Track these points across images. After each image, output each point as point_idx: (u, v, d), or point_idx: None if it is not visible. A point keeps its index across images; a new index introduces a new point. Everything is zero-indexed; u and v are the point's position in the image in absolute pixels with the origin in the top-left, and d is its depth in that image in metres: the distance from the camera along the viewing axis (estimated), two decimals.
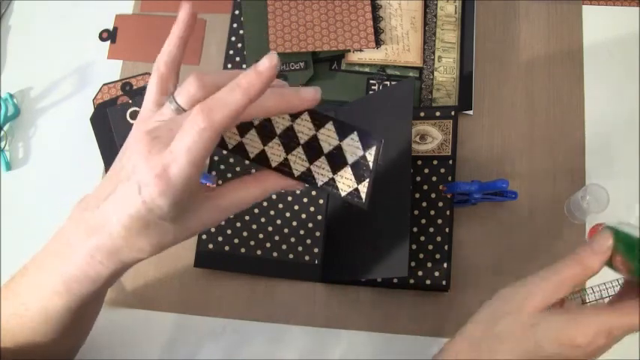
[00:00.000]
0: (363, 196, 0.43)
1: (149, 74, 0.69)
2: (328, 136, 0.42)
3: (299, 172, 0.43)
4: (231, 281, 0.62)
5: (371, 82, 0.67)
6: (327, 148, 0.42)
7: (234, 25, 0.70)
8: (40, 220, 0.62)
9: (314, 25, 0.68)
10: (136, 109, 0.68)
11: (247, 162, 0.45)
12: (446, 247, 0.60)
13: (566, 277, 0.44)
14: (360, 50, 0.68)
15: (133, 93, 0.69)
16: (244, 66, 0.68)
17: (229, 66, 0.68)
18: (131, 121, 0.67)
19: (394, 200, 0.58)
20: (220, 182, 0.64)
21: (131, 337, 0.61)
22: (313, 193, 0.63)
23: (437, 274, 0.60)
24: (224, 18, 0.71)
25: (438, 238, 0.60)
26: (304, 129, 0.42)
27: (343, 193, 0.42)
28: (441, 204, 0.61)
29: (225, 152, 0.44)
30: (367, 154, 0.42)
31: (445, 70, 0.67)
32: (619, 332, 0.42)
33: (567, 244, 0.62)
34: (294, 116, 0.41)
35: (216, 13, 0.71)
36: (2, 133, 0.68)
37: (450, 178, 0.62)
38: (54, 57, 0.71)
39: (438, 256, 0.60)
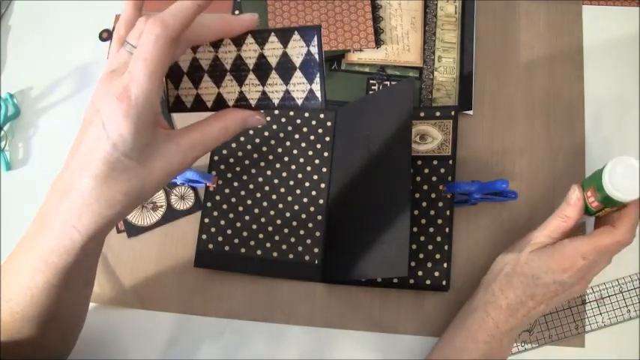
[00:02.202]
0: (319, 95, 0.43)
1: None
2: (273, 49, 0.42)
3: (255, 100, 0.43)
4: (231, 281, 0.62)
5: (371, 82, 0.67)
6: (274, 61, 0.42)
7: None
8: None
9: None
10: None
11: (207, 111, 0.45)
12: (446, 247, 0.60)
13: (551, 229, 0.54)
14: (360, 50, 0.68)
15: None
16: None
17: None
18: None
19: (394, 200, 0.58)
20: (220, 182, 0.64)
21: (131, 337, 0.61)
22: (313, 193, 0.63)
23: (437, 274, 0.60)
24: None
25: (438, 238, 0.60)
26: (250, 52, 0.43)
27: (300, 102, 0.43)
28: (441, 204, 0.61)
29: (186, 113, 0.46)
30: (311, 48, 0.42)
31: (445, 70, 0.67)
32: (592, 254, 0.51)
33: None
34: (239, 44, 0.42)
35: (216, 13, 0.71)
36: (2, 133, 0.68)
37: (450, 178, 0.62)
38: (54, 57, 0.71)
39: (438, 256, 0.60)
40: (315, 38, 0.42)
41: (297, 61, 0.43)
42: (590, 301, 0.60)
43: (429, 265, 0.60)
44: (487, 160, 0.65)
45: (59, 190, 0.41)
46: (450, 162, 0.62)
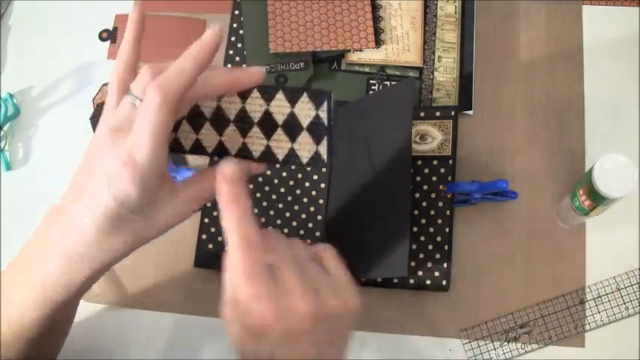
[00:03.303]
0: (324, 156, 0.42)
1: None
2: (280, 106, 0.42)
3: (259, 153, 0.43)
4: None
5: (371, 82, 0.67)
6: (280, 118, 0.42)
7: (234, 25, 0.70)
8: (40, 220, 0.62)
9: (314, 25, 0.68)
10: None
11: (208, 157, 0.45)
12: (446, 247, 0.60)
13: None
14: (360, 50, 0.68)
15: None
16: (244, 66, 0.68)
17: (229, 66, 0.68)
18: None
19: (394, 200, 0.58)
20: None
21: (131, 337, 0.61)
22: (313, 193, 0.63)
23: (437, 274, 0.60)
24: (224, 18, 0.71)
25: (438, 238, 0.60)
26: (256, 107, 0.42)
27: (305, 160, 0.42)
28: (441, 204, 0.61)
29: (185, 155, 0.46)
30: (320, 112, 0.41)
31: (445, 70, 0.67)
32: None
33: (567, 244, 0.62)
34: (244, 97, 0.41)
35: (216, 13, 0.71)
36: (2, 133, 0.68)
37: (450, 178, 0.62)
38: (54, 57, 0.71)
39: (438, 256, 0.60)
40: (325, 104, 0.41)
41: (305, 122, 0.42)
42: (588, 300, 0.60)
43: (429, 265, 0.60)
44: (487, 160, 0.65)
45: (60, 225, 0.41)
46: (450, 162, 0.62)
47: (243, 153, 0.42)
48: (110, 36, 0.71)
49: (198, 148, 0.43)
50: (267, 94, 0.41)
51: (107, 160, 0.38)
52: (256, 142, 0.42)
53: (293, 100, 0.41)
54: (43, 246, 0.42)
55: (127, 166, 0.37)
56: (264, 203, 0.63)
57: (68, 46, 0.71)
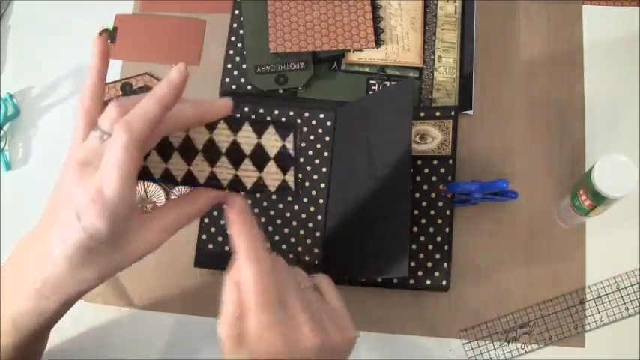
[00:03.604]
0: (292, 185, 0.44)
1: (149, 74, 0.69)
2: (247, 137, 0.43)
3: (227, 182, 0.44)
4: None
5: (371, 82, 0.67)
6: (247, 149, 0.43)
7: (234, 25, 0.70)
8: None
9: (314, 25, 0.68)
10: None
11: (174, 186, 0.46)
12: (446, 247, 0.60)
13: None
14: (360, 50, 0.68)
15: (133, 93, 0.69)
16: (244, 66, 0.68)
17: (229, 66, 0.68)
18: None
19: (394, 200, 0.58)
20: None
21: (131, 337, 0.61)
22: (313, 192, 0.63)
23: (437, 274, 0.60)
24: (224, 18, 0.71)
25: (438, 238, 0.60)
26: (223, 137, 0.43)
27: (273, 189, 0.44)
28: (441, 204, 0.61)
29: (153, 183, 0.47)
30: (287, 144, 0.44)
31: (445, 70, 0.67)
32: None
33: (567, 244, 0.62)
34: (211, 128, 0.43)
35: (216, 13, 0.71)
36: (2, 133, 0.68)
37: (450, 178, 0.62)
38: (54, 57, 0.71)
39: (438, 256, 0.60)
40: (291, 135, 0.43)
41: (272, 152, 0.43)
42: (588, 300, 0.60)
43: (429, 265, 0.60)
44: (487, 160, 0.65)
45: (30, 259, 0.41)
46: (450, 162, 0.62)
47: (212, 182, 0.43)
48: (110, 36, 0.71)
49: (167, 177, 0.44)
50: (235, 125, 0.43)
51: (75, 194, 0.38)
52: (224, 171, 0.44)
53: (259, 131, 0.43)
54: (17, 275, 0.42)
55: (96, 202, 0.37)
56: (265, 203, 0.63)
57: (68, 46, 0.71)
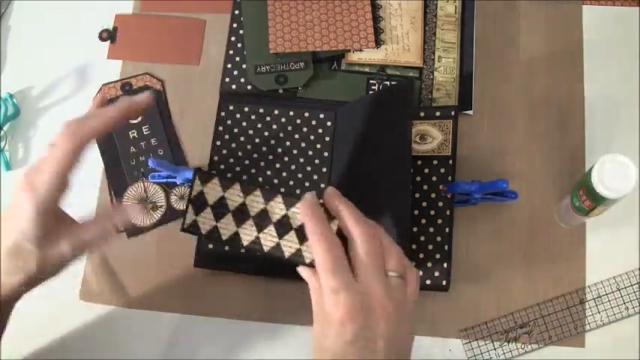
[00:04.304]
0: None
1: (149, 74, 0.69)
2: (297, 213, 0.49)
3: (268, 248, 0.49)
4: (231, 281, 0.62)
5: (371, 82, 0.67)
6: (295, 223, 0.49)
7: (234, 25, 0.70)
8: None
9: (314, 25, 0.68)
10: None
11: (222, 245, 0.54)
12: (446, 247, 0.60)
13: None
14: (360, 50, 0.68)
15: (133, 93, 0.69)
16: (244, 66, 0.68)
17: (229, 66, 0.68)
18: (131, 121, 0.67)
19: (394, 200, 0.58)
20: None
21: (131, 337, 0.61)
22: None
23: (437, 274, 0.60)
24: (224, 18, 0.71)
25: (438, 238, 0.60)
26: (276, 209, 0.49)
27: (307, 261, 0.48)
28: (441, 204, 0.61)
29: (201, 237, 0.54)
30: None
31: (445, 70, 0.67)
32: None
33: (567, 244, 0.62)
34: (268, 199, 0.49)
35: (216, 13, 0.71)
36: (2, 133, 0.68)
37: (450, 178, 0.62)
38: (54, 57, 0.71)
39: (438, 256, 0.60)
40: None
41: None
42: (588, 300, 0.60)
43: (429, 265, 0.60)
44: (487, 160, 0.65)
45: None
46: (450, 162, 0.62)
47: (255, 245, 0.50)
48: (110, 36, 0.71)
49: (213, 234, 0.50)
50: (289, 200, 0.49)
51: (16, 188, 0.45)
52: (269, 237, 0.49)
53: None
54: None
55: (26, 189, 0.44)
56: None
57: (68, 46, 0.71)
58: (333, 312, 0.44)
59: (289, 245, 0.49)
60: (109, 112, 0.48)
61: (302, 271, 0.48)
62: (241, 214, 0.50)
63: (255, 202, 0.50)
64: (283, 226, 0.49)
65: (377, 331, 0.43)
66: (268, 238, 0.50)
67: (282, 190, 0.63)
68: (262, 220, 0.50)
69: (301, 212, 0.47)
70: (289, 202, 0.49)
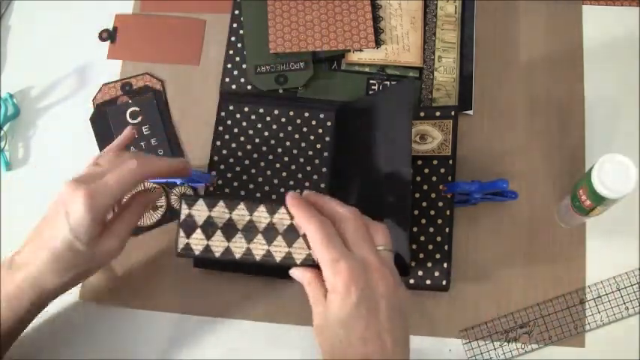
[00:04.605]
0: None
1: (149, 74, 0.69)
2: (281, 218, 0.52)
3: (260, 256, 0.52)
4: (231, 281, 0.62)
5: (371, 82, 0.67)
6: (282, 228, 0.52)
7: (234, 25, 0.70)
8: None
9: (314, 25, 0.68)
10: (136, 108, 0.68)
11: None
12: (446, 247, 0.60)
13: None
14: (360, 50, 0.68)
15: (133, 93, 0.69)
16: (244, 66, 0.68)
17: (229, 66, 0.68)
18: (131, 121, 0.67)
19: (394, 201, 0.58)
20: (220, 182, 0.64)
21: (131, 337, 0.61)
22: None
23: (437, 274, 0.60)
24: (224, 18, 0.71)
25: (438, 238, 0.60)
26: (261, 218, 0.53)
27: (298, 262, 0.51)
28: (441, 204, 0.61)
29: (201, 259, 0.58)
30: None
31: (445, 70, 0.67)
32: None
33: (567, 244, 0.62)
34: (252, 210, 0.52)
35: (216, 13, 0.71)
36: (2, 133, 0.68)
37: (450, 178, 0.62)
38: (54, 57, 0.71)
39: (438, 256, 0.60)
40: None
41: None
42: (588, 300, 0.60)
43: (429, 265, 0.60)
44: (487, 160, 0.65)
45: (17, 264, 0.51)
46: (450, 162, 0.62)
47: (248, 256, 0.52)
48: (110, 36, 0.71)
49: (207, 253, 0.53)
50: (272, 208, 0.53)
51: (68, 199, 0.49)
52: (259, 246, 0.52)
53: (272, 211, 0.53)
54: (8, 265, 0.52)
55: (86, 197, 0.48)
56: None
57: (68, 46, 0.71)
58: (336, 281, 0.46)
59: (279, 250, 0.52)
60: (175, 163, 0.56)
61: (293, 271, 0.51)
62: (229, 229, 0.53)
63: (241, 216, 0.53)
64: (270, 232, 0.52)
65: (377, 292, 0.47)
66: (259, 247, 0.52)
67: (282, 189, 0.63)
68: (250, 231, 0.53)
69: (288, 204, 0.51)
70: (271, 209, 0.52)
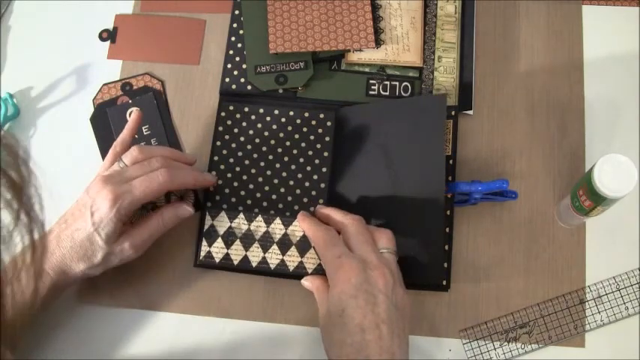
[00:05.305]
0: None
1: (149, 74, 0.69)
2: (294, 230, 0.59)
3: (274, 265, 0.59)
4: (231, 281, 0.62)
5: (371, 82, 0.67)
6: (295, 239, 0.59)
7: (234, 25, 0.70)
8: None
9: (314, 25, 0.68)
10: (136, 108, 0.68)
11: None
12: (446, 247, 0.60)
13: None
14: (360, 50, 0.68)
15: (133, 93, 0.69)
16: (244, 66, 0.68)
17: (229, 66, 0.68)
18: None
19: (428, 211, 0.58)
20: (220, 182, 0.64)
21: (131, 337, 0.61)
22: (313, 193, 0.63)
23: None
24: (224, 18, 0.71)
25: None
26: (277, 230, 0.60)
27: (310, 271, 0.58)
28: None
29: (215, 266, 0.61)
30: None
31: (445, 70, 0.67)
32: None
33: (567, 244, 0.62)
34: (269, 222, 0.60)
35: (216, 13, 0.71)
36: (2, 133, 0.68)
37: (450, 178, 0.62)
38: (54, 57, 0.71)
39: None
40: None
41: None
42: (588, 300, 0.60)
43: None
44: (487, 160, 0.65)
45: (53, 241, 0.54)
46: (450, 162, 0.62)
47: (263, 266, 0.59)
48: (110, 36, 0.71)
49: (227, 261, 0.60)
50: (287, 221, 0.60)
51: (95, 197, 0.53)
52: (274, 256, 0.59)
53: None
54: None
55: (116, 201, 0.52)
56: (264, 203, 0.63)
57: (68, 46, 0.71)
58: (337, 276, 0.51)
59: (292, 260, 0.58)
60: (201, 179, 0.59)
61: (304, 282, 0.57)
62: (248, 239, 0.59)
63: (259, 227, 0.59)
64: (285, 243, 0.59)
65: (376, 287, 0.51)
66: (274, 257, 0.59)
67: (282, 189, 0.63)
68: (266, 241, 0.59)
69: (298, 219, 0.59)
70: (287, 222, 0.60)
